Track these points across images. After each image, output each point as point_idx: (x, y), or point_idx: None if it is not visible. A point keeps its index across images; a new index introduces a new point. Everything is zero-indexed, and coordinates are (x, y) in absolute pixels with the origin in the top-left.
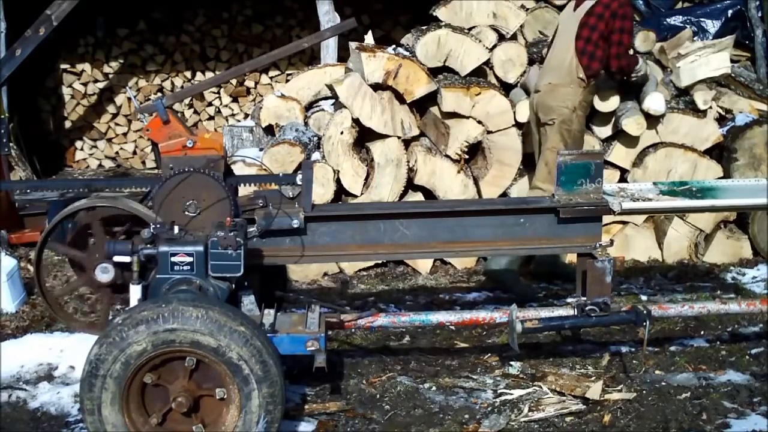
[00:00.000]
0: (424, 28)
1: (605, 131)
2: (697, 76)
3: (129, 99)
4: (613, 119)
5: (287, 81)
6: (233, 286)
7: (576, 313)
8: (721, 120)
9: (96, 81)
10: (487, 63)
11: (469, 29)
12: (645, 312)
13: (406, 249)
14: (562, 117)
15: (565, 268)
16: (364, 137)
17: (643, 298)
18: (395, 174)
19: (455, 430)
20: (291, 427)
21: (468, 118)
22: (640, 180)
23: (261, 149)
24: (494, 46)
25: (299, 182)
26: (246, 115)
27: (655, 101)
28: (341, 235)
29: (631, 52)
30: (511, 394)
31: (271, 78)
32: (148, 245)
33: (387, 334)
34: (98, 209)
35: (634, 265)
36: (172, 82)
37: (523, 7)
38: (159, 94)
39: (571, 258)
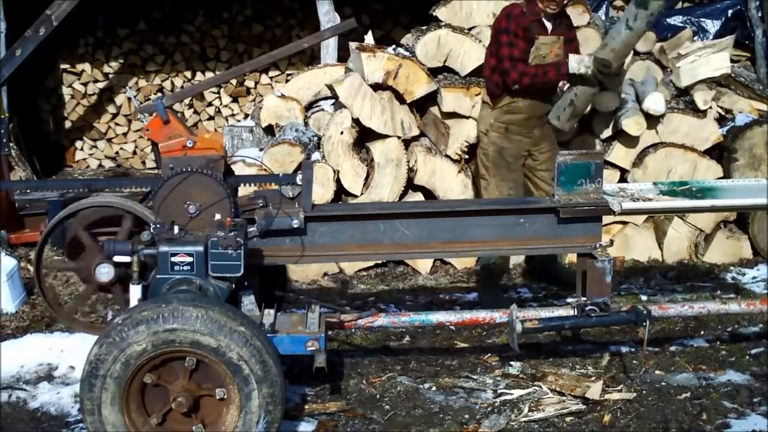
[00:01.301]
0: (424, 28)
1: (605, 131)
2: (697, 76)
3: (129, 99)
4: (613, 119)
5: (287, 81)
6: (233, 286)
7: (576, 313)
8: (721, 120)
9: (96, 81)
10: None
11: (469, 29)
12: (645, 312)
13: (406, 249)
14: (478, 140)
15: (562, 272)
16: (364, 137)
17: (643, 298)
18: (395, 174)
19: (455, 430)
20: (291, 427)
21: (468, 118)
22: (640, 180)
23: (261, 149)
24: None
25: (299, 182)
26: (246, 115)
27: (655, 101)
28: (341, 235)
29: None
30: (511, 394)
31: (271, 78)
32: (148, 245)
33: (387, 334)
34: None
35: (634, 265)
36: (172, 82)
37: None
38: (159, 94)
39: (571, 258)
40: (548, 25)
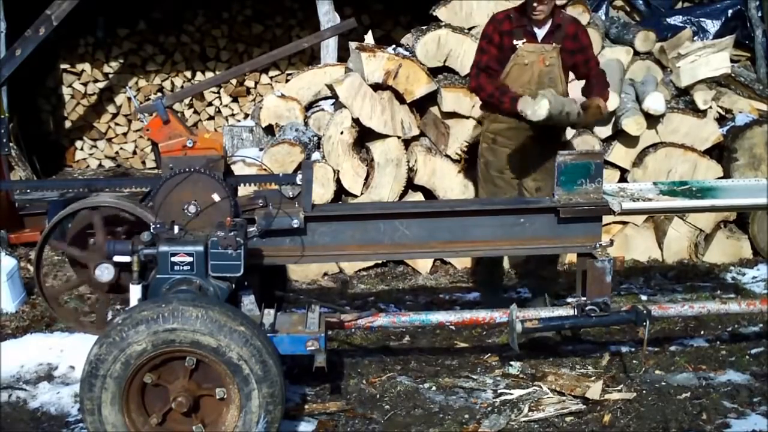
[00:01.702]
0: (424, 28)
1: (605, 131)
2: (697, 76)
3: (129, 99)
4: (613, 119)
5: (287, 81)
6: (233, 286)
7: (576, 313)
8: (721, 120)
9: (96, 81)
10: None
11: (469, 29)
12: (645, 312)
13: (406, 249)
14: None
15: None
16: (364, 137)
17: (643, 298)
18: (395, 174)
19: (455, 430)
20: (291, 427)
21: (468, 118)
22: (640, 180)
23: (261, 149)
24: None
25: (299, 182)
26: (246, 115)
27: (655, 101)
28: (341, 235)
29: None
30: (511, 394)
31: (271, 78)
32: (149, 245)
33: (387, 334)
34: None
35: (634, 265)
36: (172, 82)
37: None
38: (159, 94)
39: (571, 258)
40: (538, 32)
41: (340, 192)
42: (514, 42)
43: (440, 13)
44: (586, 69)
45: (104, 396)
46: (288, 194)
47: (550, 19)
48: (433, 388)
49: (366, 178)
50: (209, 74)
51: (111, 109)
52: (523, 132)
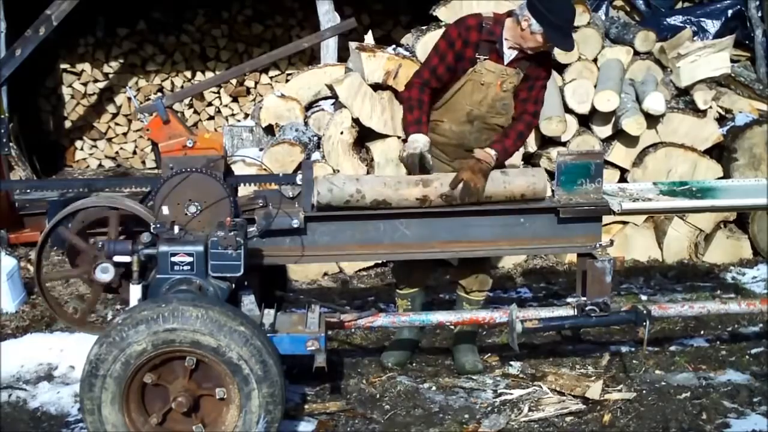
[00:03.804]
0: (424, 28)
1: (605, 131)
2: (697, 76)
3: (129, 99)
4: (613, 119)
5: (287, 81)
6: (233, 286)
7: (576, 313)
8: (721, 120)
9: (96, 81)
10: None
11: None
12: (645, 312)
13: (406, 249)
14: None
15: None
16: (364, 137)
17: (643, 298)
18: (395, 174)
19: (455, 430)
20: (291, 427)
21: None
22: (640, 180)
23: (261, 149)
24: None
25: (299, 182)
26: (246, 115)
27: (655, 101)
28: (341, 235)
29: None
30: (511, 394)
31: (271, 78)
32: (149, 245)
33: (387, 334)
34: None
35: (634, 265)
36: (172, 82)
37: None
38: (159, 94)
39: (571, 258)
40: (507, 54)
41: None
42: (477, 55)
43: (440, 13)
44: (522, 105)
45: (104, 396)
46: (288, 194)
47: None
48: (433, 388)
49: None
50: (209, 74)
51: (111, 109)
52: (460, 152)
